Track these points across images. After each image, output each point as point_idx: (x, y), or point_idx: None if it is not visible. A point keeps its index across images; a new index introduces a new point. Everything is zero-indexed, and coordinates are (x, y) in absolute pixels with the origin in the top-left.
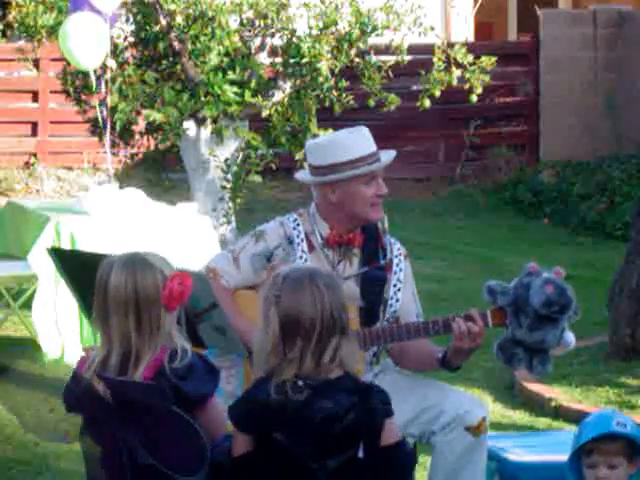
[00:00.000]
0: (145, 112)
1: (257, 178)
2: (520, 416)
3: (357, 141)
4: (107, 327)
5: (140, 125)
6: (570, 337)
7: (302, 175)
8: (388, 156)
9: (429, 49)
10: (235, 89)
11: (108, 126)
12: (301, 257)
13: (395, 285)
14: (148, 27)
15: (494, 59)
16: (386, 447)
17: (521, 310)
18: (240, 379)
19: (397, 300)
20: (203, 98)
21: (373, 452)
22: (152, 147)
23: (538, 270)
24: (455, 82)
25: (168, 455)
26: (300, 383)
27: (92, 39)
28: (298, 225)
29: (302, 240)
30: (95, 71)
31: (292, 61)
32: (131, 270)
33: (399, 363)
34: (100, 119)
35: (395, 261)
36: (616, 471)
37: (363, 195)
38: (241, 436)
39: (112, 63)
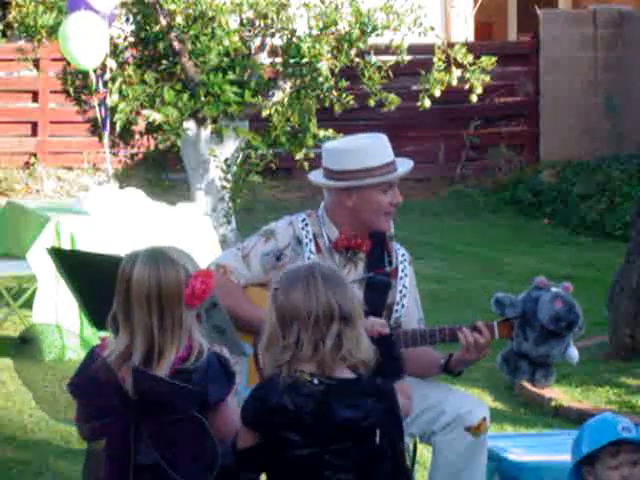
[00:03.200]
0: (145, 112)
1: (257, 178)
2: (520, 416)
3: (377, 149)
4: (129, 321)
5: (140, 125)
6: (574, 352)
7: (317, 178)
8: (406, 166)
9: (429, 49)
10: (235, 89)
11: (108, 126)
12: (309, 258)
13: (401, 291)
14: (148, 27)
15: (494, 59)
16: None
17: (528, 324)
18: (244, 376)
19: (402, 306)
20: (203, 98)
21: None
22: (152, 147)
23: (547, 284)
24: (455, 82)
25: (178, 458)
26: (315, 381)
27: (91, 39)
28: (307, 225)
29: (310, 240)
30: (95, 70)
31: (292, 61)
32: (155, 265)
33: None
34: (100, 119)
35: (400, 267)
36: (638, 468)
37: (379, 203)
38: (249, 433)
39: (112, 63)
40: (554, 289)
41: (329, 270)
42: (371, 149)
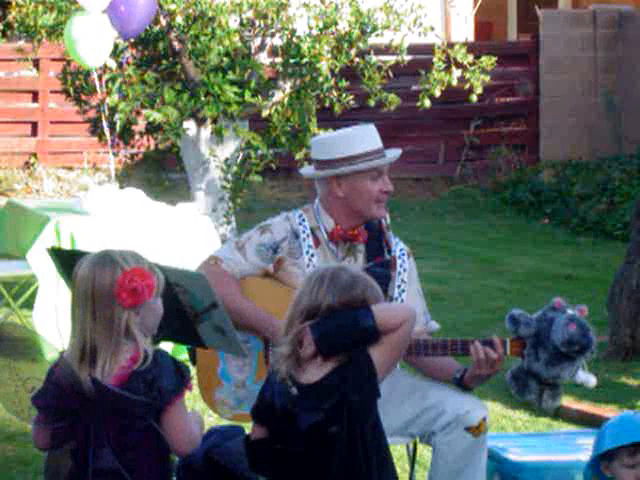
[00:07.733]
0: (145, 112)
1: (257, 178)
2: (520, 416)
3: (365, 136)
4: (73, 319)
5: (140, 125)
6: (590, 378)
7: (307, 171)
8: (394, 153)
9: (429, 49)
10: (235, 89)
11: (116, 126)
12: (307, 252)
13: (399, 286)
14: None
15: (494, 59)
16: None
17: (541, 344)
18: (253, 371)
19: (402, 301)
20: (203, 98)
21: None
22: (152, 147)
23: (563, 306)
24: (455, 82)
25: (135, 463)
26: (289, 383)
27: (96, 37)
28: (304, 220)
29: (308, 235)
30: (105, 70)
31: (292, 61)
32: (93, 265)
33: (417, 365)
34: (104, 120)
35: (399, 262)
36: None
37: (369, 190)
38: (258, 425)
39: (112, 63)
40: (570, 311)
41: (346, 274)
42: (357, 137)
